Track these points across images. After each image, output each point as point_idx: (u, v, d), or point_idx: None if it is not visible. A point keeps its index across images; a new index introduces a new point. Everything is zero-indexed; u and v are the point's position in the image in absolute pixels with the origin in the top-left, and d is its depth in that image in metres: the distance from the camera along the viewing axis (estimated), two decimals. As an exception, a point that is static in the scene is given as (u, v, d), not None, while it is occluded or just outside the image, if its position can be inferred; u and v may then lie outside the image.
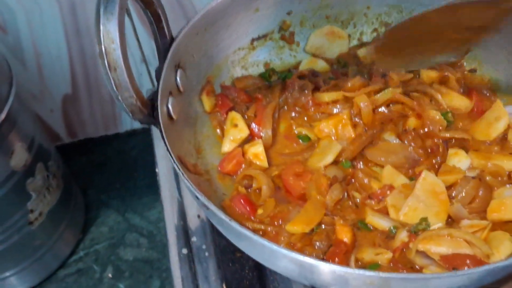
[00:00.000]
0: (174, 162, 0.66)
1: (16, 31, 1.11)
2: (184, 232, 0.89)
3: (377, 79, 0.92)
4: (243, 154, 0.86)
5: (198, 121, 0.88)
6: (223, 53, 0.94)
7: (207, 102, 0.89)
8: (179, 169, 0.65)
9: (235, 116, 0.88)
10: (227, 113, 0.90)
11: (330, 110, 0.89)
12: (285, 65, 1.00)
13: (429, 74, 0.94)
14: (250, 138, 0.89)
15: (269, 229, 0.76)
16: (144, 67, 1.24)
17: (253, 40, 0.97)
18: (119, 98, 0.67)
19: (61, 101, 1.26)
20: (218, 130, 0.90)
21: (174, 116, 0.78)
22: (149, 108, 0.71)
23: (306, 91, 0.90)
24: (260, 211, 0.79)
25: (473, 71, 0.96)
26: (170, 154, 0.67)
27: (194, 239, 0.88)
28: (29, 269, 1.09)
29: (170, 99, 0.78)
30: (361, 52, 1.01)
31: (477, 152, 0.83)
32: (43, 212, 1.05)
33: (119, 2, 0.65)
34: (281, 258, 0.63)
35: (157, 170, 0.98)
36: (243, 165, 0.85)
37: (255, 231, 0.75)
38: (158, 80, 0.77)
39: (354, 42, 1.03)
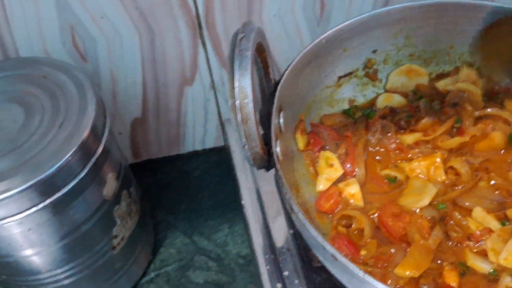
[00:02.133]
0: (299, 211, 0.69)
1: (96, 60, 1.14)
2: (276, 266, 0.92)
3: (447, 109, 0.96)
4: (339, 193, 0.89)
5: (294, 159, 0.91)
6: (312, 92, 0.97)
7: (301, 140, 0.92)
8: (304, 218, 0.68)
9: (330, 156, 0.91)
10: (319, 151, 0.93)
11: (412, 153, 0.92)
12: (368, 101, 1.03)
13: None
14: (342, 176, 0.92)
15: (376, 271, 0.79)
16: (212, 93, 1.28)
17: (339, 78, 1.00)
18: (246, 147, 0.70)
19: (130, 124, 1.30)
20: (311, 168, 0.92)
21: (280, 158, 0.81)
22: (267, 155, 0.75)
23: (389, 134, 0.93)
24: (363, 252, 0.82)
25: None
26: (292, 203, 0.70)
27: (286, 273, 0.91)
28: (105, 292, 1.12)
29: (277, 143, 0.81)
30: (440, 84, 1.04)
31: None
32: (125, 236, 1.08)
33: (251, 56, 0.68)
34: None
35: (242, 202, 1.01)
36: (340, 205, 0.88)
37: None
38: (265, 124, 0.80)
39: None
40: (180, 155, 1.42)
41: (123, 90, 1.22)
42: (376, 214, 0.87)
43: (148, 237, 1.22)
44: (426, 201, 0.86)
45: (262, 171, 0.80)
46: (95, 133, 0.93)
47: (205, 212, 1.31)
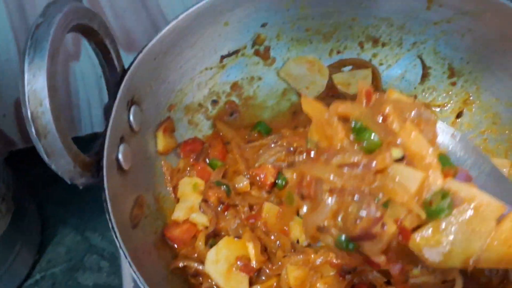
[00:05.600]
0: (120, 248, 0.55)
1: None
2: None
3: None
4: None
5: (157, 161, 0.76)
6: (187, 75, 0.81)
7: (162, 141, 0.77)
8: (121, 249, 0.54)
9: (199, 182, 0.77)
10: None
11: None
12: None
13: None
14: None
15: None
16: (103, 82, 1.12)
17: (222, 57, 0.84)
18: (53, 166, 0.54)
19: (13, 105, 1.14)
20: (167, 175, 0.78)
21: (126, 167, 0.66)
22: (93, 168, 0.59)
23: None
24: None
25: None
26: (115, 233, 0.56)
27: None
28: (-17, 295, 0.98)
29: (121, 147, 0.66)
30: (337, 77, 0.90)
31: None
32: (-6, 239, 0.94)
33: (50, 49, 0.52)
34: None
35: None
36: None
37: None
38: (106, 125, 0.64)
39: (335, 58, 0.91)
40: (78, 138, 1.25)
41: (-3, 67, 1.06)
42: None
43: (31, 235, 1.07)
44: None
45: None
46: None
47: (100, 206, 1.15)
